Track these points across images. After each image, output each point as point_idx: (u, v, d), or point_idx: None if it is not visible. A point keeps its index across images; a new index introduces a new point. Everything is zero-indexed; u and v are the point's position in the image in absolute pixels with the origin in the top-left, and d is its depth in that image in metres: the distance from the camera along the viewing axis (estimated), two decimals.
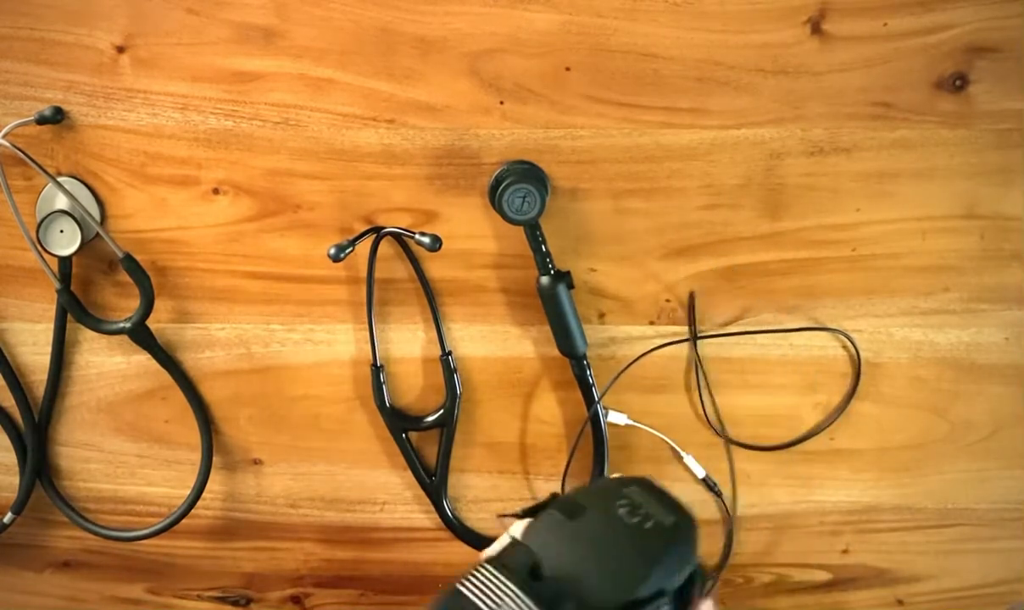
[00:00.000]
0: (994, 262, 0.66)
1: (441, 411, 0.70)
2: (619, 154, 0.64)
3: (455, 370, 0.69)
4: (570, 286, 0.66)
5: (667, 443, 0.71)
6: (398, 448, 0.71)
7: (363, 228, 0.66)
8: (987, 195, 0.65)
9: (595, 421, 0.70)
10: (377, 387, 0.69)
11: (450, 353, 0.69)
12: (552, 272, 0.65)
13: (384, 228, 0.66)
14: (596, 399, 0.69)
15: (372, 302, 0.67)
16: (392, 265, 0.68)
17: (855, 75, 0.62)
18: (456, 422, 0.70)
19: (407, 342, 0.70)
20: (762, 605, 0.77)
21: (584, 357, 0.68)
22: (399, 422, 0.71)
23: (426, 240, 0.63)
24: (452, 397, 0.70)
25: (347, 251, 0.63)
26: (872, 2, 0.60)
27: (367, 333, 0.69)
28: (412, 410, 0.72)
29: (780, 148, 0.64)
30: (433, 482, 0.72)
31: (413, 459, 0.72)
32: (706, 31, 0.61)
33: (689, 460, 0.72)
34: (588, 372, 0.68)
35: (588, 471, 0.72)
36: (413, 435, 0.72)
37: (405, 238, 0.66)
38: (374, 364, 0.69)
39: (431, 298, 0.68)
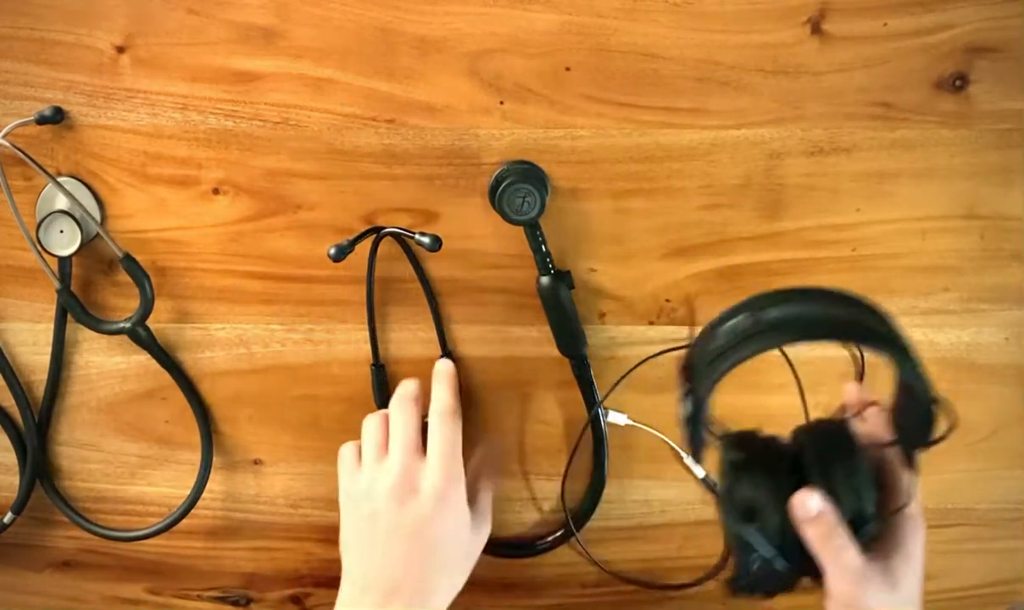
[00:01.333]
0: (994, 262, 0.66)
1: None
2: (619, 154, 0.64)
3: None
4: (570, 286, 0.66)
5: (667, 444, 0.72)
6: None
7: (363, 228, 0.66)
8: (987, 195, 0.65)
9: (595, 422, 0.70)
10: (377, 387, 0.69)
11: (450, 353, 0.69)
12: (552, 272, 0.65)
13: (384, 228, 0.66)
14: (597, 400, 0.69)
15: (372, 302, 0.67)
16: (392, 265, 0.68)
17: (855, 75, 0.62)
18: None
19: (407, 342, 0.70)
20: (762, 605, 0.77)
21: (585, 357, 0.68)
22: None
23: (426, 240, 0.63)
24: None
25: (348, 251, 0.63)
26: (872, 2, 0.60)
27: (367, 333, 0.69)
28: None
29: (780, 148, 0.64)
30: None
31: None
32: (706, 31, 0.61)
33: (690, 460, 0.72)
34: (589, 372, 0.68)
35: (587, 471, 0.72)
36: None
37: (405, 238, 0.66)
38: (374, 363, 0.69)
39: (431, 298, 0.68)
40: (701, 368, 0.49)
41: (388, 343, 0.70)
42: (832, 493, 0.50)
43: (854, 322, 0.48)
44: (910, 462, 0.52)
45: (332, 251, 0.62)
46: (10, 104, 0.64)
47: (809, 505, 0.49)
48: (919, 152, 0.64)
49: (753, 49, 0.61)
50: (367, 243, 0.66)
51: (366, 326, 0.68)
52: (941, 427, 0.48)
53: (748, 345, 0.47)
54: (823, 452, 0.52)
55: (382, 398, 0.69)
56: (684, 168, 0.64)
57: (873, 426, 0.55)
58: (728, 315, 0.49)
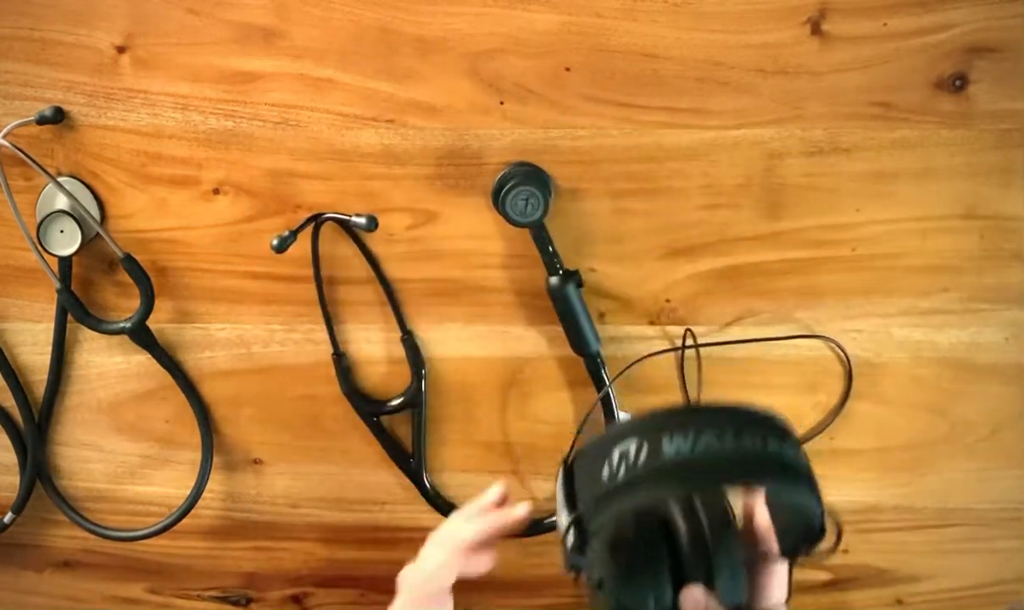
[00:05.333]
0: (994, 262, 0.66)
1: (408, 392, 0.70)
2: (619, 154, 0.64)
3: (418, 349, 0.69)
4: (579, 285, 0.66)
5: None
6: (375, 437, 0.71)
7: None
8: (987, 195, 0.65)
9: (609, 417, 0.69)
10: (341, 374, 0.69)
11: (410, 333, 0.69)
12: (561, 272, 0.65)
13: (323, 215, 0.65)
14: (612, 398, 0.69)
15: (323, 291, 0.67)
16: (394, 266, 0.68)
17: (855, 75, 0.62)
18: (426, 399, 0.70)
19: (397, 341, 0.70)
20: None
21: (598, 355, 0.68)
22: (366, 406, 0.71)
23: (362, 221, 0.63)
24: (418, 376, 0.69)
25: (290, 242, 0.63)
26: (872, 2, 0.60)
27: (367, 333, 0.69)
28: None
29: (780, 148, 0.64)
30: (412, 464, 0.72)
31: (388, 443, 0.72)
32: (706, 31, 0.61)
33: None
34: (603, 369, 0.68)
35: None
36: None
37: (345, 223, 0.65)
38: (335, 353, 0.69)
39: (385, 284, 0.67)
40: (588, 492, 0.46)
41: (373, 342, 0.70)
42: (711, 584, 0.49)
43: (759, 458, 0.44)
44: (789, 564, 0.53)
45: (275, 242, 0.62)
46: (10, 104, 0.64)
47: (697, 598, 0.49)
48: (919, 152, 0.64)
49: (753, 49, 0.61)
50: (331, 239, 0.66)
51: (367, 326, 0.68)
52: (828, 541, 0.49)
53: (638, 492, 0.43)
54: (705, 549, 0.50)
55: (348, 386, 0.69)
56: (684, 168, 0.64)
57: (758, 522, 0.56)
58: (624, 432, 0.45)
